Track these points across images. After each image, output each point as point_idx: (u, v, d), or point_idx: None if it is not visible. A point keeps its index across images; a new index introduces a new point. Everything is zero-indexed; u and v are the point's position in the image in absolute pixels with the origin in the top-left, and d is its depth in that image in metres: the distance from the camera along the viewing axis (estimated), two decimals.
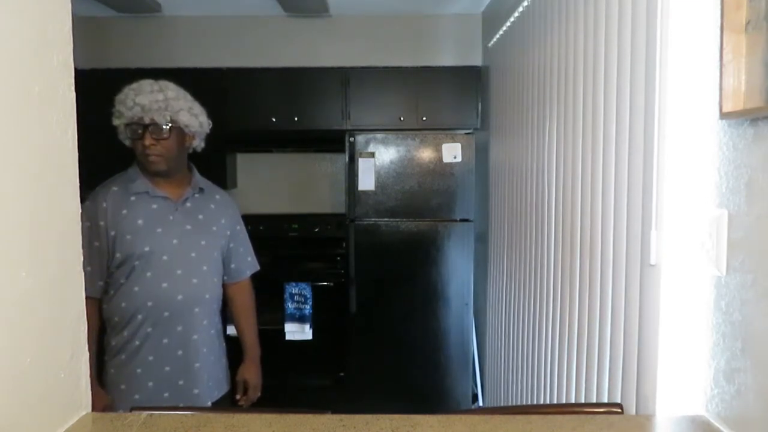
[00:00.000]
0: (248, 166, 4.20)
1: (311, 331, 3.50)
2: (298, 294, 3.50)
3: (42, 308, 1.05)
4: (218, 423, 1.14)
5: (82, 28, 3.42)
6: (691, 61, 1.16)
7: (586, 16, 1.79)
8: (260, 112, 3.72)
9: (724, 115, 1.05)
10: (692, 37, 1.16)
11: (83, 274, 1.19)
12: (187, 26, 3.91)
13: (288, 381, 3.55)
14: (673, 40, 1.19)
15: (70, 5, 1.14)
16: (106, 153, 2.03)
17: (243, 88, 3.71)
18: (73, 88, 1.14)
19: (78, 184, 1.18)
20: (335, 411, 1.18)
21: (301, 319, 3.50)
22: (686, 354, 1.19)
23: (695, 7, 1.15)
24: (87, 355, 1.19)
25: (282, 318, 3.50)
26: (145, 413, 1.17)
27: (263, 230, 4.04)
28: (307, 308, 3.50)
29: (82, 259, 1.18)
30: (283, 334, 3.49)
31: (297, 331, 3.50)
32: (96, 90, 1.95)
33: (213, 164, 3.72)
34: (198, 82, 3.64)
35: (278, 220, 4.09)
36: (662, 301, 1.23)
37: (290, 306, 3.49)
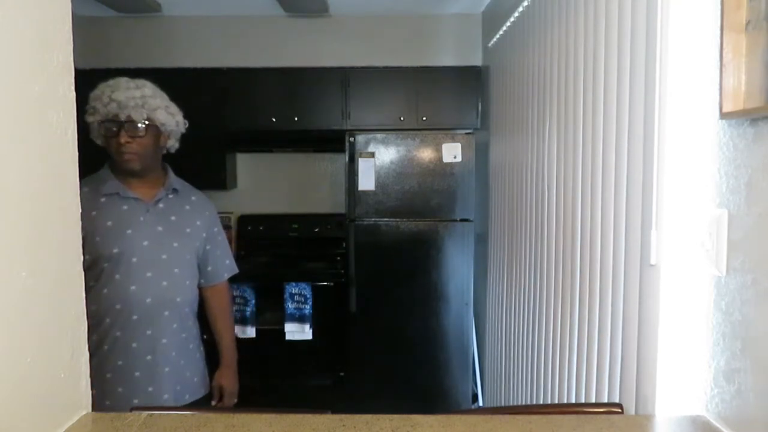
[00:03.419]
0: (248, 166, 4.20)
1: (311, 331, 3.50)
2: (298, 294, 3.50)
3: (42, 308, 1.05)
4: (218, 423, 1.14)
5: (82, 28, 3.43)
6: (691, 61, 1.16)
7: (586, 16, 1.79)
8: (260, 112, 3.72)
9: (724, 115, 1.05)
10: (692, 37, 1.16)
11: (83, 274, 1.19)
12: (187, 26, 3.91)
13: (288, 381, 3.56)
14: (673, 40, 1.19)
15: (70, 5, 1.14)
16: (105, 153, 2.03)
17: (243, 88, 3.71)
18: (73, 88, 1.14)
19: (78, 184, 1.18)
20: (335, 411, 1.18)
21: (301, 319, 3.50)
22: (686, 354, 1.19)
23: (695, 7, 1.15)
24: (87, 355, 1.19)
25: (282, 318, 3.50)
26: (145, 413, 1.17)
27: (263, 230, 4.05)
28: (307, 308, 3.50)
29: (82, 259, 1.18)
30: (283, 334, 3.50)
31: (297, 331, 3.50)
32: None
33: (213, 164, 3.73)
34: (198, 82, 3.68)
35: (278, 220, 4.09)
36: (662, 301, 1.23)
37: (290, 306, 3.50)
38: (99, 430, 1.13)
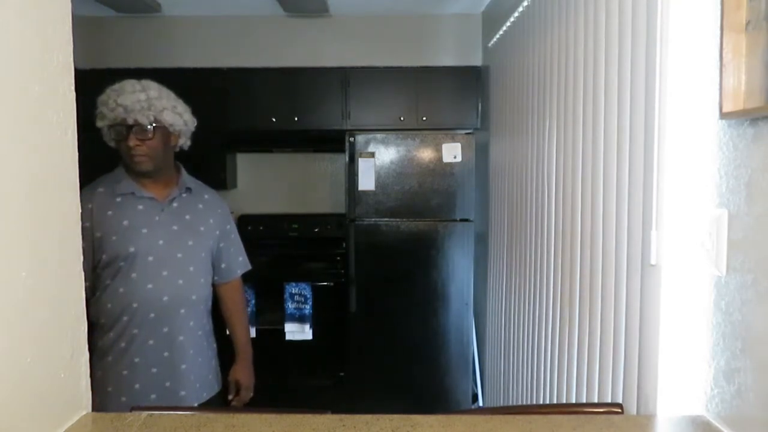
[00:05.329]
0: (248, 166, 4.20)
1: (311, 331, 3.50)
2: (298, 294, 3.50)
3: (42, 308, 1.05)
4: (218, 423, 1.14)
5: (82, 28, 3.44)
6: (691, 61, 1.16)
7: (586, 16, 1.79)
8: (260, 112, 3.72)
9: (724, 115, 1.05)
10: (692, 37, 1.16)
11: (83, 274, 1.19)
12: (187, 26, 3.91)
13: (288, 381, 3.56)
14: (673, 40, 1.19)
15: (70, 5, 1.14)
16: (105, 153, 2.03)
17: (243, 88, 3.71)
18: (73, 88, 1.14)
19: (78, 184, 1.18)
20: (335, 411, 1.18)
21: (301, 319, 3.50)
22: (686, 354, 1.19)
23: (695, 7, 1.15)
24: (87, 355, 1.19)
25: (282, 318, 3.50)
26: (145, 413, 1.17)
27: (263, 230, 4.05)
28: (307, 308, 3.50)
29: (82, 259, 1.18)
30: (283, 334, 3.50)
31: (297, 331, 3.50)
32: (96, 90, 1.95)
33: (213, 164, 3.73)
34: (198, 82, 3.68)
35: (278, 220, 4.09)
36: (662, 301, 1.23)
37: (290, 306, 3.50)
38: (99, 430, 1.13)
